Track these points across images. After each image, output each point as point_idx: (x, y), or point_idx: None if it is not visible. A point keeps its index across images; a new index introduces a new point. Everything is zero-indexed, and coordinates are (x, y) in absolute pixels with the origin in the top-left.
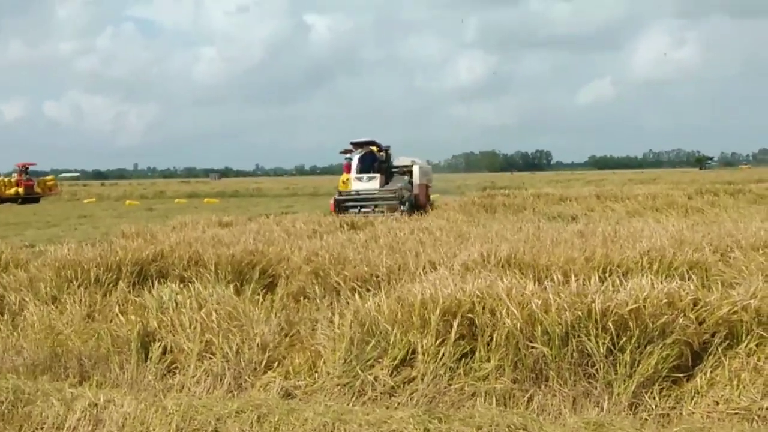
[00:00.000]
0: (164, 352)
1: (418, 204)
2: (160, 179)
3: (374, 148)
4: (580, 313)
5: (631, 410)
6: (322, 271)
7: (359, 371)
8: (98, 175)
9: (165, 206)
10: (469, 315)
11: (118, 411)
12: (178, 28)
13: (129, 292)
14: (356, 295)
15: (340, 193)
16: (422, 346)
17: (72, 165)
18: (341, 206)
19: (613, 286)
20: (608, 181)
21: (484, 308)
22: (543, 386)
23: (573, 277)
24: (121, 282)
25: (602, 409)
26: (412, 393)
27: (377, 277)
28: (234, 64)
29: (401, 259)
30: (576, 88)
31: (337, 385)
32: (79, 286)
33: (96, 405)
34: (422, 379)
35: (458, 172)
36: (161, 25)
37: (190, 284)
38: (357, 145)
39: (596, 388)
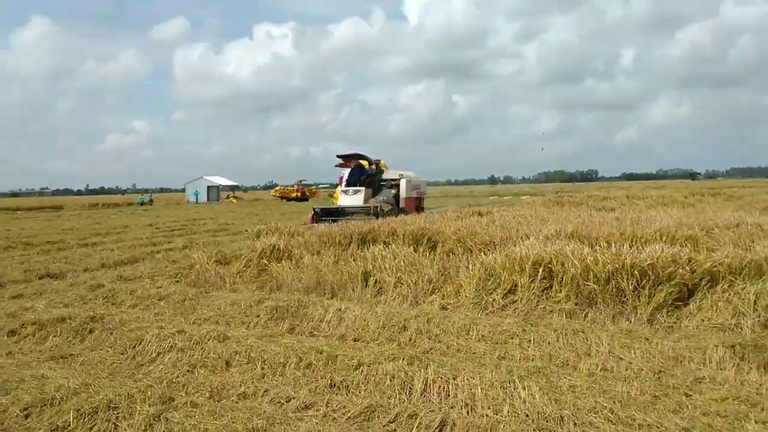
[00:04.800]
0: (375, 282)
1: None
2: None
3: (364, 162)
4: (617, 265)
5: (648, 323)
6: (462, 239)
7: (484, 296)
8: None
9: None
10: (549, 265)
11: (351, 313)
12: (381, 105)
13: (356, 249)
14: (482, 253)
15: (317, 209)
16: (521, 283)
17: (324, 179)
18: (318, 221)
19: (637, 250)
20: (634, 188)
21: (558, 261)
22: (594, 308)
23: (613, 244)
24: (352, 243)
25: (630, 322)
26: (515, 309)
27: (494, 243)
28: (411, 123)
29: (508, 232)
30: (613, 133)
31: (472, 303)
32: (330, 246)
33: (340, 310)
34: (521, 302)
35: (540, 183)
36: (373, 104)
37: (388, 246)
38: (344, 158)
39: (627, 310)
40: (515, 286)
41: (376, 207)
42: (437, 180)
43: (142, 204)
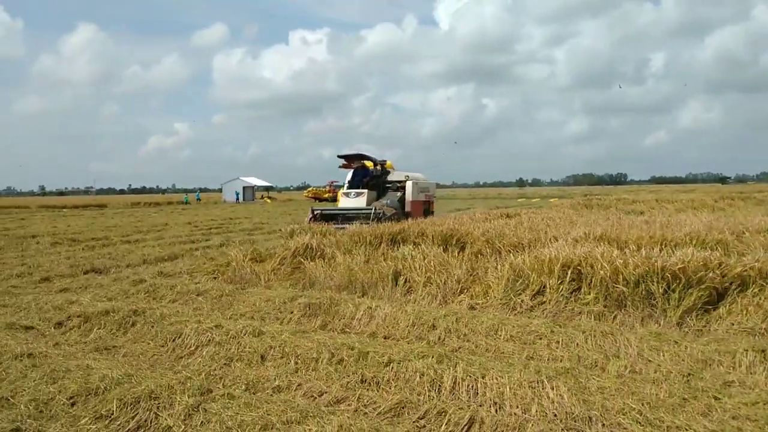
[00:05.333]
0: (405, 282)
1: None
2: None
3: (369, 163)
4: (647, 268)
5: (678, 327)
6: (491, 240)
7: (512, 296)
8: None
9: None
10: (578, 267)
11: (381, 311)
12: (413, 108)
13: (387, 249)
14: (510, 254)
15: (312, 212)
16: (549, 284)
17: None
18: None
19: (667, 253)
20: (663, 191)
21: (587, 263)
22: (623, 310)
23: (642, 248)
24: (383, 243)
25: (660, 325)
26: (544, 310)
27: (522, 244)
28: (442, 126)
29: (536, 234)
30: (643, 136)
31: (500, 303)
32: (361, 245)
33: (370, 308)
34: (549, 303)
35: (568, 185)
36: (404, 107)
37: (418, 246)
38: (347, 158)
39: (656, 313)
40: (544, 287)
41: (378, 211)
42: (466, 182)
43: (186, 203)
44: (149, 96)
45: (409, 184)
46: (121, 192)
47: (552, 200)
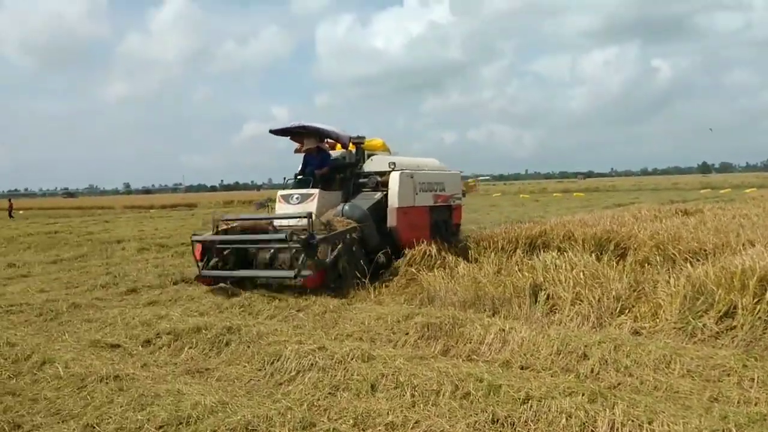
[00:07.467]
0: (547, 298)
1: (398, 248)
2: (542, 180)
3: (339, 146)
4: None
5: None
6: (662, 245)
7: (690, 319)
8: (501, 177)
9: (546, 198)
10: None
11: (517, 335)
12: (559, 77)
13: (523, 256)
14: (688, 264)
15: (215, 228)
16: (742, 304)
17: (485, 171)
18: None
19: None
20: None
21: None
22: None
23: None
24: (518, 249)
25: None
26: (733, 338)
27: (705, 251)
28: (598, 98)
29: (724, 238)
30: None
31: (674, 328)
32: (491, 252)
33: (503, 330)
34: (741, 328)
35: None
36: (547, 75)
37: (564, 253)
38: (284, 134)
39: None
40: (734, 308)
41: (297, 235)
42: (629, 169)
43: None
44: (245, 75)
45: (394, 177)
46: (213, 189)
47: (748, 191)
